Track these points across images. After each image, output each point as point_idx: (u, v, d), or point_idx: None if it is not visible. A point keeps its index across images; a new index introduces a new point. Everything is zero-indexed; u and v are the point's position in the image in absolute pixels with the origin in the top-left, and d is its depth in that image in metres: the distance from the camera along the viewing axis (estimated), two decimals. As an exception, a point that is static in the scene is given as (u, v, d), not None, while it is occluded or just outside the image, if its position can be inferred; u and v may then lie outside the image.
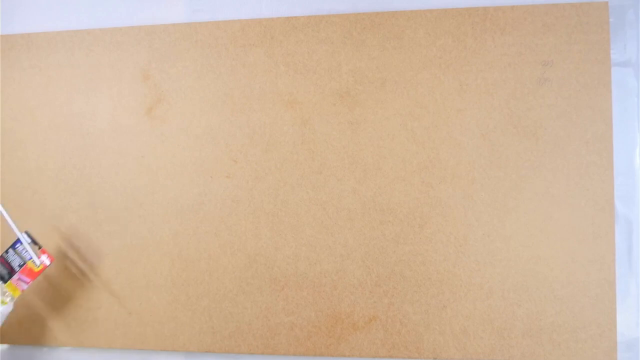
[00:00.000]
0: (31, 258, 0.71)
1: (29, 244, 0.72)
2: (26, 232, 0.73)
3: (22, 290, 0.72)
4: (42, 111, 0.79)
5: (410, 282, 0.71)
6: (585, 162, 0.69)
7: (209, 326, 0.75)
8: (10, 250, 0.72)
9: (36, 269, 0.72)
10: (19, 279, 0.71)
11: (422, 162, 0.72)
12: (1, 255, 0.72)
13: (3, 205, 0.78)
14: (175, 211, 0.76)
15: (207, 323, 0.75)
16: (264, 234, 0.74)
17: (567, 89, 0.70)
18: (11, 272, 0.71)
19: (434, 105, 0.72)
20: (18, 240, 0.73)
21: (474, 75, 0.71)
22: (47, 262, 0.72)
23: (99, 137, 0.78)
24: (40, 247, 0.74)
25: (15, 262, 0.71)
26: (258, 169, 0.75)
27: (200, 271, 0.75)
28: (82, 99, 0.78)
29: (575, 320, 0.68)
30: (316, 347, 0.72)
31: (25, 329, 0.78)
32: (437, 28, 0.72)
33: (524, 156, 0.70)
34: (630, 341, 0.69)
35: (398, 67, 0.73)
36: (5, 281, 0.71)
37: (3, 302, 0.71)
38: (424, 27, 0.72)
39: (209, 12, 0.78)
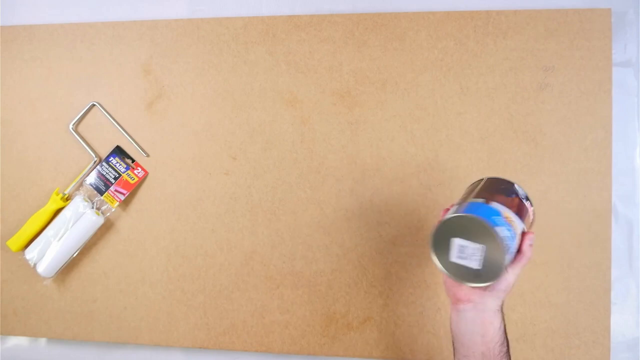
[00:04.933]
0: (125, 171, 0.74)
1: (121, 157, 0.75)
2: (118, 147, 0.76)
3: (120, 201, 0.75)
4: (43, 103, 0.79)
5: (405, 283, 0.71)
6: (583, 169, 0.69)
7: (204, 322, 0.75)
8: (104, 164, 0.75)
9: (132, 181, 0.75)
10: (116, 190, 0.74)
11: (420, 164, 0.72)
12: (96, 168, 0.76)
13: (2, 199, 0.79)
14: (172, 207, 0.76)
15: (202, 319, 0.75)
16: (261, 232, 0.74)
17: (568, 95, 0.70)
18: (107, 184, 0.75)
19: (434, 108, 0.72)
20: (111, 154, 0.76)
21: (475, 79, 0.71)
22: (142, 174, 0.75)
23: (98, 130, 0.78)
24: (133, 161, 0.76)
25: (110, 175, 0.75)
26: (257, 166, 0.75)
27: (196, 267, 0.75)
28: (83, 92, 0.78)
29: (570, 326, 0.69)
30: (310, 346, 0.73)
31: (22, 320, 0.78)
32: (439, 30, 0.72)
33: (522, 161, 0.70)
34: (629, 341, 0.69)
35: (399, 68, 0.73)
36: (102, 193, 0.75)
37: (97, 213, 0.74)
38: (426, 29, 0.72)
39: (209, 12, 0.78)
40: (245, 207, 0.75)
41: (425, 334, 0.71)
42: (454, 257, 0.49)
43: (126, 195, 0.76)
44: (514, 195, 0.53)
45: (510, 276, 0.49)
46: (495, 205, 0.49)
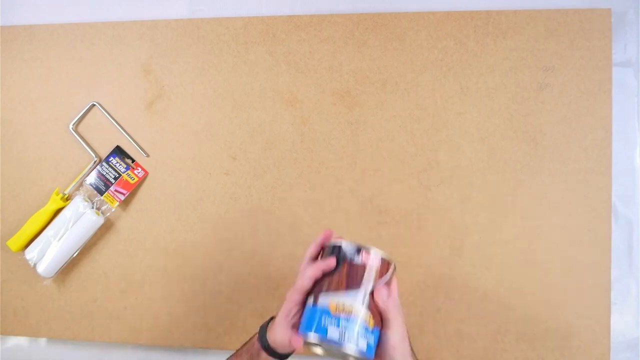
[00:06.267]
0: (125, 171, 0.74)
1: (121, 157, 0.75)
2: (118, 147, 0.76)
3: (120, 201, 0.75)
4: (43, 103, 0.79)
5: (405, 284, 0.71)
6: (583, 169, 0.69)
7: (204, 322, 0.75)
8: (104, 164, 0.76)
9: (132, 181, 0.75)
10: (116, 190, 0.74)
11: (420, 164, 0.72)
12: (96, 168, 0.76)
13: (2, 199, 0.79)
14: (172, 207, 0.76)
15: (202, 319, 0.75)
16: (261, 232, 0.74)
17: (568, 95, 0.70)
18: (107, 184, 0.75)
19: (434, 108, 0.72)
20: (111, 154, 0.76)
21: (475, 79, 0.71)
22: (142, 174, 0.75)
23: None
24: (133, 161, 0.76)
25: (110, 175, 0.75)
26: (257, 166, 0.75)
27: (196, 267, 0.75)
28: (83, 92, 0.78)
29: (569, 326, 0.68)
30: (310, 346, 0.73)
31: (22, 320, 0.78)
32: (439, 30, 0.72)
33: (522, 161, 0.70)
34: (629, 341, 0.69)
35: (399, 68, 0.73)
36: (102, 193, 0.75)
37: (97, 213, 0.74)
38: (426, 29, 0.72)
39: (209, 12, 0.78)
40: (245, 207, 0.75)
41: (425, 334, 0.71)
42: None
43: (126, 195, 0.76)
44: (341, 265, 0.46)
45: (394, 336, 0.44)
46: (321, 302, 0.45)
